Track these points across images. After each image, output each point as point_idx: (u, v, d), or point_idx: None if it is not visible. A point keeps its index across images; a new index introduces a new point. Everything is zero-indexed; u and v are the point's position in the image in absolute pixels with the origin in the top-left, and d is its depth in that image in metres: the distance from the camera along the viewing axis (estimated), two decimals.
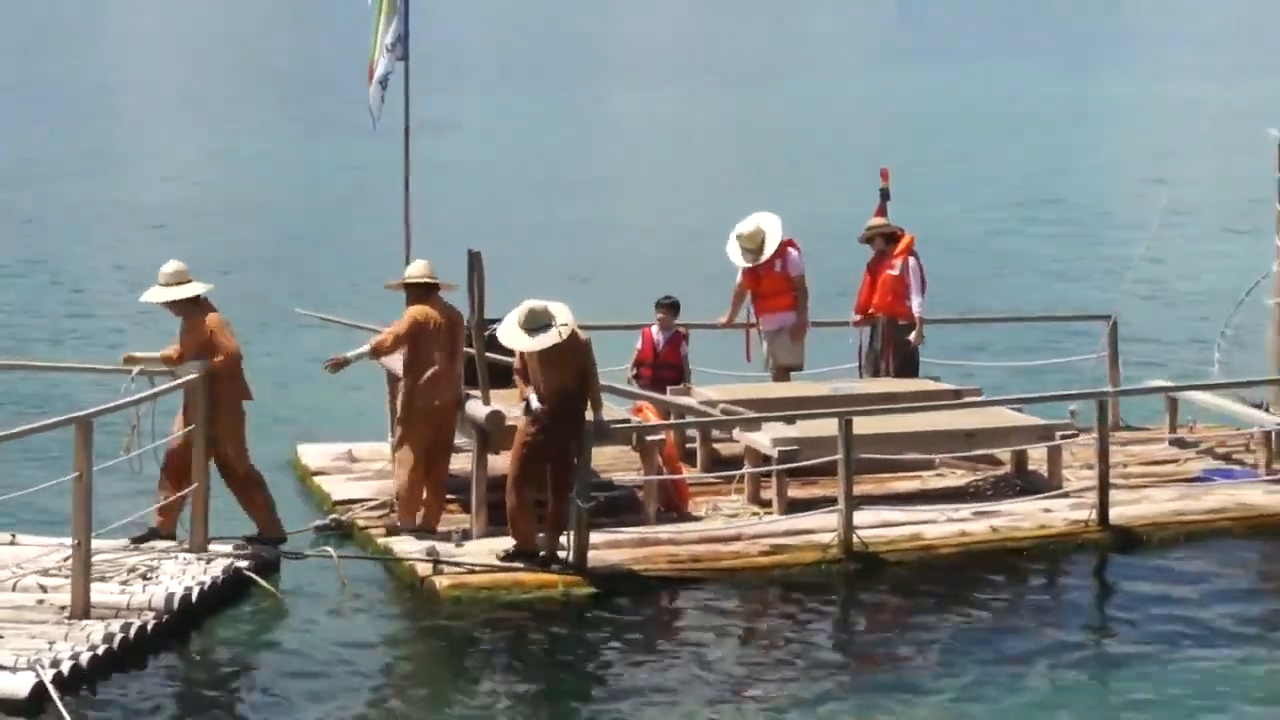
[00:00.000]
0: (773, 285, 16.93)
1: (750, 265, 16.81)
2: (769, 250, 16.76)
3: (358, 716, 11.57)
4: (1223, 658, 12.61)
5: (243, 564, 13.36)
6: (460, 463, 14.54)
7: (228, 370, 13.68)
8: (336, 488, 15.46)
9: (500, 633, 12.78)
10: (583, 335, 13.45)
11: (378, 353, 14.13)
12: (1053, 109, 55.49)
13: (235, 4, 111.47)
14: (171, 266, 13.89)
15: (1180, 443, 17.05)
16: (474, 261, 14.04)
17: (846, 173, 33.97)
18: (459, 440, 14.64)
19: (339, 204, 33.15)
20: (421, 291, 14.11)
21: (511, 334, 13.30)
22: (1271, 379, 16.57)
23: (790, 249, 16.94)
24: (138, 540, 13.68)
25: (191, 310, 13.78)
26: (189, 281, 13.85)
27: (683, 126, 51.18)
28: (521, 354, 13.50)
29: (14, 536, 13.78)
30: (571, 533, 13.43)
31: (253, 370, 19.71)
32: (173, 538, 13.71)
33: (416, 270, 14.25)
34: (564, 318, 13.27)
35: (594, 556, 13.48)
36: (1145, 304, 23.15)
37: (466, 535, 13.96)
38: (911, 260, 17.11)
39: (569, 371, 13.28)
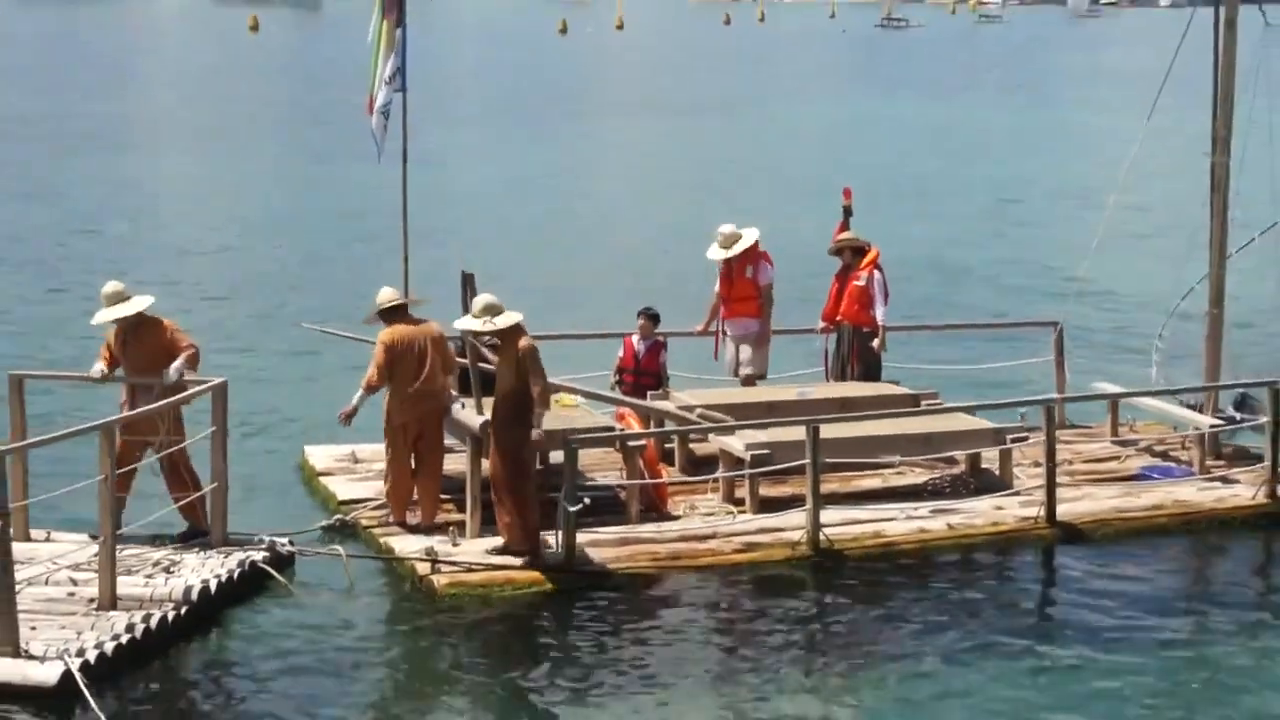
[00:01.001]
0: (743, 290, 16.88)
1: (721, 257, 16.74)
2: (741, 246, 16.71)
3: (361, 703, 11.45)
4: (1160, 645, 12.55)
5: (258, 558, 13.20)
6: (457, 465, 14.41)
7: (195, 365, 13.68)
8: (341, 488, 15.30)
9: (495, 626, 12.65)
10: (525, 342, 13.28)
11: (371, 389, 13.95)
12: (1003, 137, 55.83)
13: (247, 47, 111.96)
14: (114, 286, 13.72)
15: (1121, 441, 16.98)
16: (467, 281, 14.03)
17: (812, 192, 33.96)
18: (455, 443, 14.56)
19: (342, 226, 33.08)
20: (390, 313, 14.04)
21: (464, 318, 13.52)
22: (1206, 385, 16.51)
23: (763, 260, 16.92)
24: (183, 538, 13.66)
25: (137, 321, 13.62)
26: (130, 297, 13.69)
27: (662, 153, 51.39)
28: None
29: (49, 534, 13.64)
30: (560, 532, 13.31)
31: (262, 379, 19.81)
32: (207, 531, 13.60)
33: (383, 297, 14.17)
34: (504, 321, 13.25)
35: (580, 555, 13.37)
36: (1090, 311, 23.15)
37: (462, 535, 13.81)
38: (876, 273, 17.07)
39: (514, 375, 13.21)
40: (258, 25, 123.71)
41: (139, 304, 13.69)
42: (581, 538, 13.43)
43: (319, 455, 16.22)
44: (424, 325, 14.06)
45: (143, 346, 13.62)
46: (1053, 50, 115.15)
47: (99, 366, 13.76)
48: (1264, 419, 15.42)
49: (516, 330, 13.33)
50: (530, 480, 13.44)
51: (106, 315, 13.66)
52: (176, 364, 13.50)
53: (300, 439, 16.91)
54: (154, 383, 13.57)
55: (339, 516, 14.59)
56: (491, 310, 13.30)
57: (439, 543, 13.57)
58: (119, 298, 13.64)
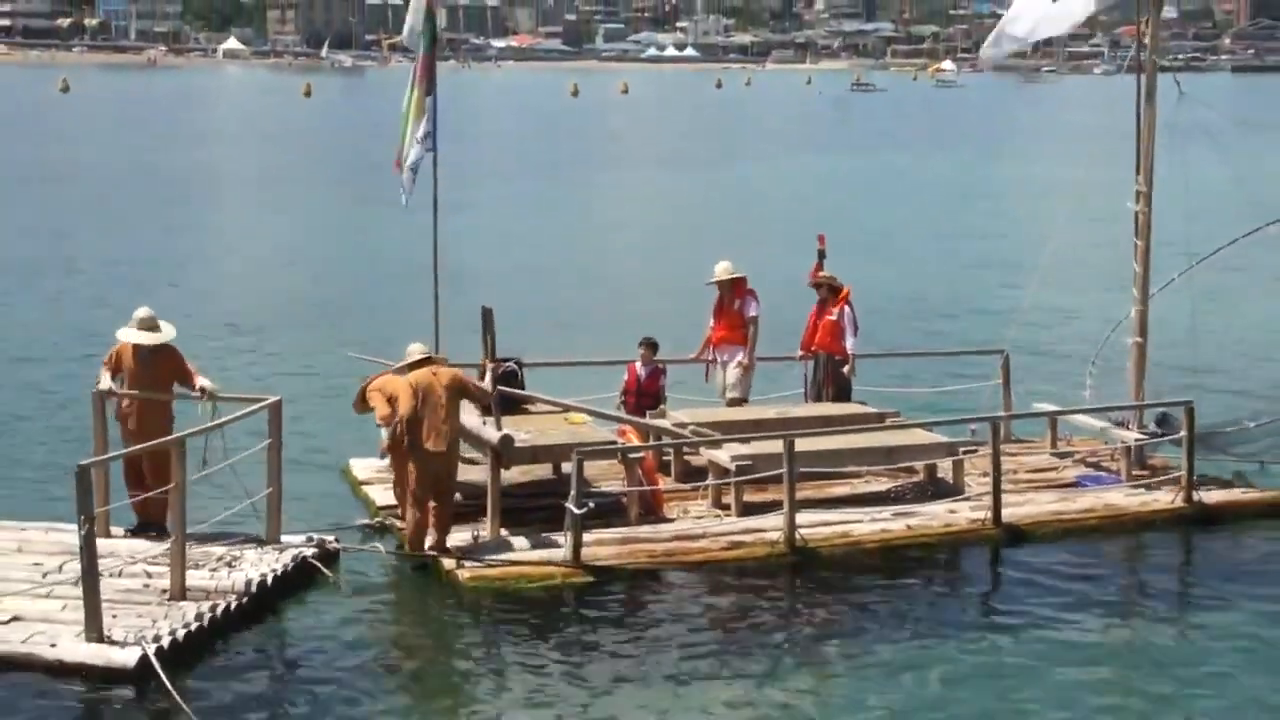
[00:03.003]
0: (732, 322, 16.98)
1: (714, 279, 16.95)
2: (726, 275, 16.88)
3: (396, 680, 11.54)
4: (1092, 628, 12.61)
5: (309, 554, 13.27)
6: (479, 474, 14.46)
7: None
8: (378, 495, 15.32)
9: (512, 615, 12.69)
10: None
11: (387, 422, 14.00)
12: (957, 185, 55.78)
13: (302, 109, 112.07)
14: (147, 311, 13.67)
15: (1059, 454, 17.01)
16: (486, 317, 14.03)
17: (791, 236, 33.96)
18: (475, 455, 14.62)
19: (382, 268, 33.09)
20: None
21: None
22: (1132, 404, 16.54)
23: (750, 297, 17.00)
24: (133, 532, 13.54)
25: (158, 344, 13.57)
26: (160, 324, 13.64)
27: (662, 201, 51.34)
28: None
29: (126, 532, 13.67)
30: (569, 533, 13.32)
31: (311, 401, 19.78)
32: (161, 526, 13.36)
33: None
34: (414, 357, 13.56)
35: (586, 553, 13.40)
36: (1032, 341, 23.14)
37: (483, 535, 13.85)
38: (848, 309, 17.20)
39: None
40: (311, 91, 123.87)
41: (170, 332, 13.64)
42: (587, 537, 13.46)
43: (360, 467, 16.24)
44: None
45: (160, 368, 13.55)
46: (1002, 111, 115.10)
47: (108, 382, 13.55)
48: (1181, 434, 15.48)
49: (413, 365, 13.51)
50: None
51: (151, 338, 13.54)
52: (204, 382, 13.55)
53: (345, 452, 16.88)
54: (164, 398, 13.53)
55: (377, 519, 14.66)
56: (413, 353, 13.56)
57: (463, 541, 13.62)
58: (151, 323, 13.58)
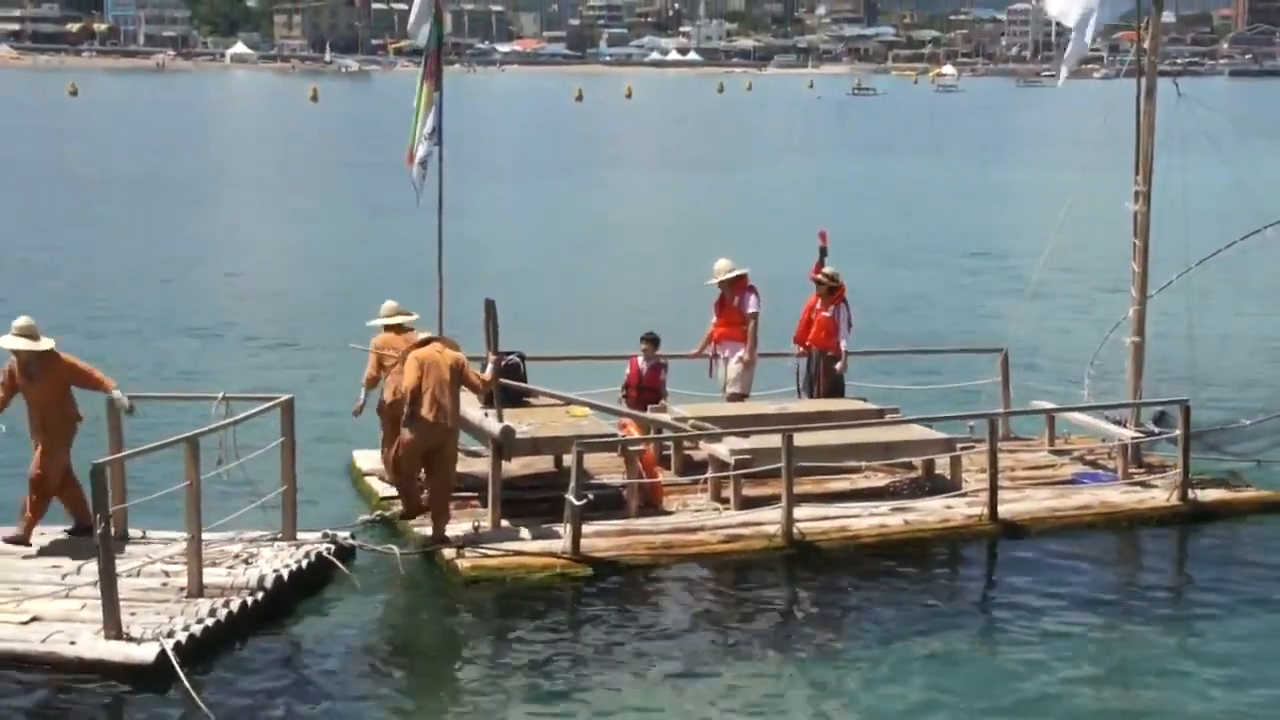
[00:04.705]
0: (731, 318, 16.98)
1: (714, 281, 16.95)
2: (726, 274, 16.86)
3: (403, 667, 11.59)
4: (1086, 626, 12.54)
5: (323, 550, 13.22)
6: (480, 466, 14.42)
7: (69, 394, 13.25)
8: (382, 487, 15.28)
9: (512, 604, 12.67)
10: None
11: (370, 385, 14.53)
12: (958, 188, 55.79)
13: (309, 113, 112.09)
14: (25, 320, 13.15)
15: (1057, 451, 16.97)
16: (489, 309, 14.01)
17: (792, 235, 33.97)
18: (477, 447, 14.58)
19: (387, 264, 33.09)
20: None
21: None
22: (1129, 403, 16.51)
23: (750, 293, 16.98)
24: (10, 540, 13.17)
25: (45, 356, 13.07)
26: (40, 335, 13.08)
27: (665, 201, 51.39)
28: None
29: (144, 532, 13.60)
30: (569, 524, 13.30)
31: (316, 395, 19.75)
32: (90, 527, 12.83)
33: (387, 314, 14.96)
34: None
35: (586, 544, 13.36)
36: (1031, 339, 23.12)
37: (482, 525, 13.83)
38: (843, 307, 17.17)
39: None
40: (317, 95, 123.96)
41: (47, 344, 13.10)
42: (587, 529, 13.44)
43: (364, 459, 16.24)
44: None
45: (49, 378, 13.05)
46: (1002, 115, 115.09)
47: None
48: (1177, 432, 15.44)
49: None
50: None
51: (34, 345, 13.00)
52: (119, 394, 13.22)
53: (350, 444, 16.83)
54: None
55: (379, 512, 14.64)
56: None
57: (464, 532, 13.58)
58: (28, 331, 13.05)
